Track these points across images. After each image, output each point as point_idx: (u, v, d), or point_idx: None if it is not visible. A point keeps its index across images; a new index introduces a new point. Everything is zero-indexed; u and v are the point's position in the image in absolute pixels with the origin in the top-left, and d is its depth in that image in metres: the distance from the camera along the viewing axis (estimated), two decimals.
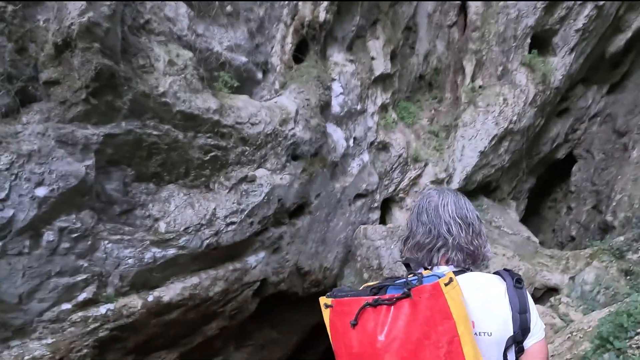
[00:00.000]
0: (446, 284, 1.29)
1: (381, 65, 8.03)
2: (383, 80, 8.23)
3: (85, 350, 4.00)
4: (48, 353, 3.71)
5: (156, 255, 4.45)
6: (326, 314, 1.44)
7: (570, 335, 4.27)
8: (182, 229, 4.63)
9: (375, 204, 7.78)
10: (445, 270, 1.45)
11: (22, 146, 3.63)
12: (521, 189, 10.53)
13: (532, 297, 1.56)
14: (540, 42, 8.64)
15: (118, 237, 4.27)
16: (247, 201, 5.16)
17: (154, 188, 4.63)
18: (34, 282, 3.81)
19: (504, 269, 1.54)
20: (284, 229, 5.98)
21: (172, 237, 4.56)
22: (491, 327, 1.42)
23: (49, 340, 3.84)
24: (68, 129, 3.83)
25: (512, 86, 8.20)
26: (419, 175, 8.02)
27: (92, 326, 4.07)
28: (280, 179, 5.57)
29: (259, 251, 5.76)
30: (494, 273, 1.53)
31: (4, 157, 3.54)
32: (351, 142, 7.22)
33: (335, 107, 6.99)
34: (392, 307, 1.29)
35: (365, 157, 7.53)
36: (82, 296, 4.09)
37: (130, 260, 4.32)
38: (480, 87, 8.47)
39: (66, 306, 4.01)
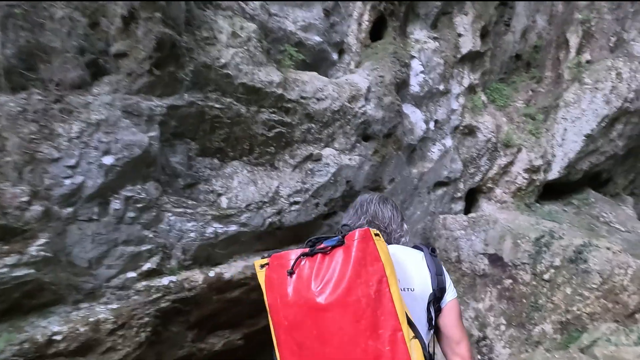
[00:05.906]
0: (375, 234, 1.44)
1: (469, 43, 7.34)
2: (471, 59, 7.52)
3: (146, 319, 4.05)
4: (112, 317, 3.81)
5: (218, 230, 4.40)
6: (261, 274, 1.57)
7: None
8: (243, 205, 4.53)
9: (459, 194, 7.10)
10: None
11: (91, 116, 3.76)
12: None
13: None
14: None
15: (181, 210, 4.29)
16: (312, 181, 4.93)
17: (218, 164, 4.60)
18: (102, 249, 3.94)
19: (420, 243, 1.82)
20: None
21: (233, 213, 4.48)
22: (414, 284, 1.63)
23: (114, 306, 3.95)
24: (133, 100, 3.91)
25: (628, 59, 6.95)
26: (511, 163, 7.16)
27: (154, 296, 4.12)
28: (349, 159, 5.24)
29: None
30: (412, 247, 1.80)
31: (74, 125, 3.68)
32: (431, 124, 6.66)
33: (414, 87, 6.49)
34: (327, 255, 1.41)
35: (448, 142, 6.90)
36: (146, 266, 4.16)
37: (192, 234, 4.31)
38: (587, 62, 7.34)
39: (131, 274, 4.10)
